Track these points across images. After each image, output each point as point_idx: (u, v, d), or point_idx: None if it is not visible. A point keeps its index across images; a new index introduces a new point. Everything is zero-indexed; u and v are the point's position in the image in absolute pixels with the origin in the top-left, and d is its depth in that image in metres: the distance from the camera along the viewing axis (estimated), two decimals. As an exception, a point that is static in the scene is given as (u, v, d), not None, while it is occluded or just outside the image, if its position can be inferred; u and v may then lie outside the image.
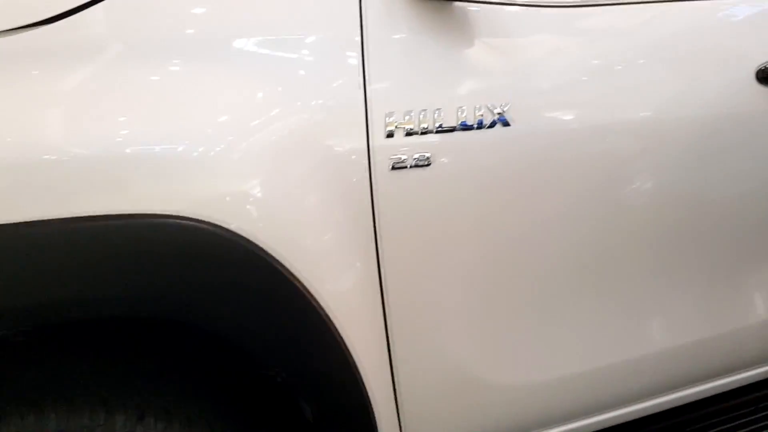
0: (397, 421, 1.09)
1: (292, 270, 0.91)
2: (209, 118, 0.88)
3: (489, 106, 1.03)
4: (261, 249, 0.89)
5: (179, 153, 0.85)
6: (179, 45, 0.90)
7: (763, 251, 1.34)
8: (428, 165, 0.99)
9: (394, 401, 1.08)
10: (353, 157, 0.96)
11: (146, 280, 0.85)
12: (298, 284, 0.92)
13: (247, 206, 0.88)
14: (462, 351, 1.10)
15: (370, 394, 1.02)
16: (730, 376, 1.43)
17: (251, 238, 0.88)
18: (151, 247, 0.84)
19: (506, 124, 1.04)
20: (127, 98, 0.86)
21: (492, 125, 1.03)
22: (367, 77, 0.96)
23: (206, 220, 0.85)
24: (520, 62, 1.07)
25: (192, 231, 0.85)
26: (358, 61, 0.97)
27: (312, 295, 0.93)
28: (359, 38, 0.97)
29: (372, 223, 0.98)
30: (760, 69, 1.23)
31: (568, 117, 1.10)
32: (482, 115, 1.02)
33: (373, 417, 1.03)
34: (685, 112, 1.18)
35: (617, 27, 1.16)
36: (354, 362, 0.99)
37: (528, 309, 1.14)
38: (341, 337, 0.97)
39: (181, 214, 0.84)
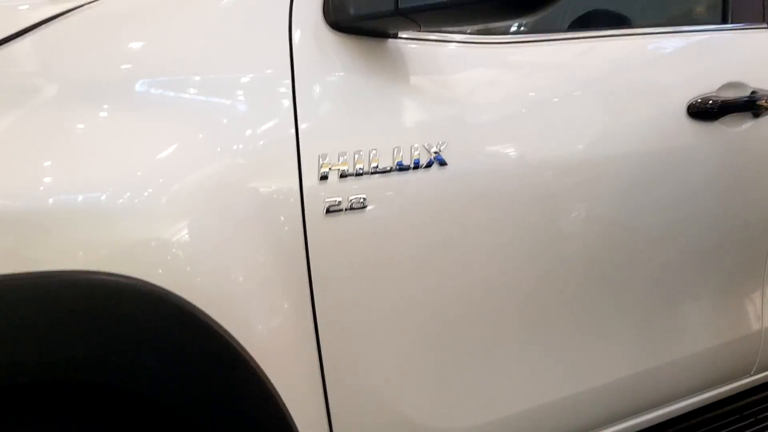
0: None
1: (221, 322, 0.86)
2: (130, 166, 0.82)
3: (425, 145, 1.00)
4: (185, 302, 0.83)
5: (95, 204, 0.79)
6: (102, 88, 0.85)
7: (695, 283, 1.36)
8: (364, 208, 0.96)
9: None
10: (285, 201, 0.91)
11: (65, 341, 0.78)
12: (227, 337, 0.87)
13: (171, 258, 0.83)
14: (403, 398, 1.06)
15: None
16: (668, 406, 1.44)
17: (175, 291, 0.82)
18: (65, 305, 0.77)
19: (443, 163, 1.01)
20: (43, 144, 0.80)
21: (429, 165, 1.00)
22: (298, 118, 0.93)
23: (126, 274, 0.80)
24: (455, 100, 1.05)
25: (109, 286, 0.79)
26: (288, 102, 0.93)
27: (243, 348, 0.88)
28: (289, 79, 0.93)
29: (306, 269, 0.94)
30: (691, 103, 1.24)
31: (504, 154, 1.08)
32: (419, 155, 1.00)
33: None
34: (617, 146, 1.19)
35: (550, 63, 1.16)
36: (290, 416, 0.94)
37: (467, 351, 1.11)
38: (275, 391, 0.92)
39: (98, 269, 0.78)
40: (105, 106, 0.85)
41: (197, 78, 0.90)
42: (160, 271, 0.82)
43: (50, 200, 0.77)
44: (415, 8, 0.91)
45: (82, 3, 0.89)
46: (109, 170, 0.81)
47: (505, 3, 0.91)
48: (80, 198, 0.79)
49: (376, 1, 0.93)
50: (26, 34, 0.85)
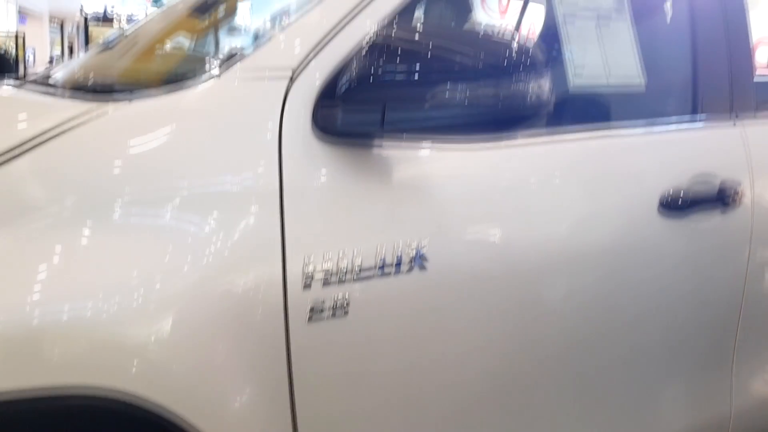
0: None
1: (200, 427, 0.90)
2: (114, 282, 0.86)
3: (407, 251, 1.05)
4: (166, 411, 0.87)
5: (77, 322, 0.83)
6: (95, 207, 0.90)
7: (667, 369, 1.40)
8: (346, 314, 1.00)
9: None
10: (269, 309, 0.95)
11: None
12: None
13: (152, 371, 0.87)
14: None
15: None
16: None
17: (156, 403, 0.86)
18: (50, 421, 0.81)
19: (423, 267, 1.06)
20: (26, 262, 0.84)
21: (410, 270, 1.05)
22: (285, 227, 0.97)
23: (108, 388, 0.83)
24: (435, 202, 1.10)
25: (91, 397, 0.83)
26: (276, 209, 0.97)
27: None
28: (277, 185, 0.98)
29: (287, 375, 0.97)
30: (662, 199, 1.30)
31: (483, 253, 1.13)
32: (400, 260, 1.04)
33: None
34: (592, 239, 1.24)
35: (527, 161, 1.21)
36: None
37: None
38: None
39: (82, 384, 0.82)
40: (98, 225, 0.89)
41: (186, 189, 0.94)
42: (141, 380, 0.86)
43: (33, 318, 0.81)
44: (400, 125, 0.98)
45: (76, 119, 0.94)
46: (101, 287, 0.86)
47: (481, 124, 0.97)
48: (61, 314, 0.83)
49: (363, 116, 0.99)
50: (17, 153, 0.89)
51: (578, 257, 1.22)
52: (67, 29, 27.69)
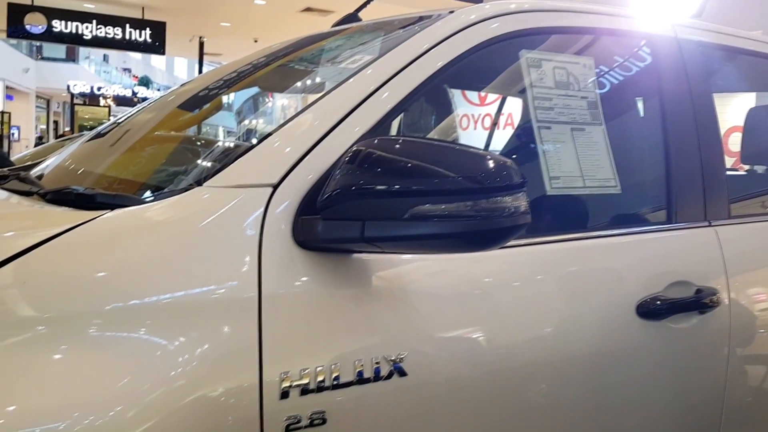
0: None
1: None
2: (90, 397, 0.85)
3: (386, 356, 1.04)
4: None
5: None
6: (69, 317, 0.89)
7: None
8: (324, 423, 0.98)
9: None
10: (246, 420, 0.93)
11: None
12: None
13: None
14: None
15: None
16: None
17: None
18: None
19: (403, 373, 1.05)
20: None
21: (389, 376, 1.04)
22: (263, 336, 0.96)
23: None
24: (414, 311, 1.10)
25: None
26: (254, 319, 0.96)
27: None
28: (256, 293, 0.98)
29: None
30: (640, 303, 1.31)
31: (462, 358, 1.12)
32: (379, 366, 1.03)
33: None
34: (571, 347, 1.23)
35: (507, 268, 1.22)
36: None
37: None
38: None
39: None
40: (74, 339, 0.88)
41: (165, 300, 0.94)
42: None
43: None
44: (379, 238, 0.98)
45: (57, 231, 0.94)
46: (72, 399, 0.84)
47: (460, 240, 0.98)
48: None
49: (343, 228, 0.99)
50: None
51: (558, 363, 1.21)
52: (53, 107, 28.06)
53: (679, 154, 1.50)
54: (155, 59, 32.72)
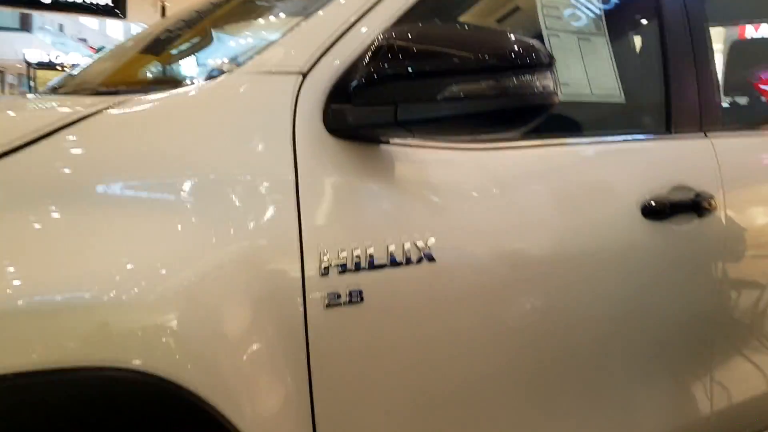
0: None
1: (223, 412, 0.89)
2: (129, 261, 0.87)
3: (416, 243, 1.08)
4: (189, 392, 0.87)
5: (92, 299, 0.83)
6: (117, 190, 0.91)
7: (647, 372, 1.45)
8: (361, 301, 1.02)
9: None
10: (289, 294, 0.97)
11: None
12: (229, 426, 0.90)
13: (171, 349, 0.86)
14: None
15: None
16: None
17: (178, 381, 0.86)
18: (65, 401, 0.80)
19: (431, 259, 1.09)
20: (53, 245, 0.84)
21: (419, 261, 1.08)
22: (302, 217, 0.99)
23: (126, 365, 0.83)
24: (440, 200, 1.14)
25: (111, 378, 0.82)
26: (293, 201, 0.99)
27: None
28: (293, 179, 1.00)
29: (306, 358, 0.98)
30: (644, 204, 1.37)
31: (484, 251, 1.17)
32: (410, 252, 1.07)
33: None
34: (582, 243, 1.29)
35: (525, 166, 1.27)
36: None
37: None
38: None
39: (101, 364, 0.82)
40: (119, 206, 0.91)
41: (206, 175, 0.97)
42: (161, 360, 0.85)
43: (56, 296, 0.81)
44: (411, 121, 1.01)
45: (94, 109, 0.96)
46: (117, 264, 0.86)
47: (491, 119, 1.02)
48: (83, 293, 0.83)
49: (375, 114, 1.02)
50: (36, 143, 0.90)
51: (574, 257, 1.27)
52: (8, 79, 27.19)
53: (677, 67, 1.56)
54: (111, 29, 31.80)
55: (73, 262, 0.84)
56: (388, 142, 1.10)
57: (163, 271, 0.88)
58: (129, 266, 0.86)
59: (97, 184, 0.91)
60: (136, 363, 0.83)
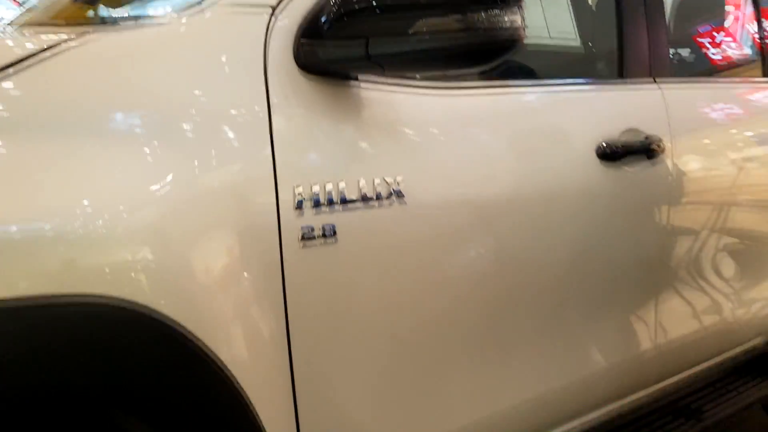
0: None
1: (200, 342, 0.91)
2: (104, 192, 0.86)
3: (386, 180, 1.10)
4: (166, 318, 0.88)
5: (69, 229, 0.82)
6: (90, 122, 0.90)
7: (598, 308, 1.53)
8: (334, 235, 1.04)
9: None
10: (264, 227, 0.98)
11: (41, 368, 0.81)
12: (209, 356, 0.92)
13: (147, 277, 0.87)
14: (369, 413, 1.13)
15: None
16: (580, 418, 1.58)
17: (156, 309, 0.87)
18: (37, 331, 0.80)
19: (400, 195, 1.11)
20: (34, 173, 0.83)
21: (389, 197, 1.10)
22: (275, 151, 1.00)
23: (108, 293, 0.83)
24: (408, 140, 1.16)
25: (93, 306, 0.82)
26: (266, 136, 1.00)
27: (221, 362, 0.93)
28: (266, 114, 1.01)
29: (281, 290, 1.00)
30: (599, 146, 1.43)
31: (450, 191, 1.20)
32: (380, 189, 1.09)
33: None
34: (538, 184, 1.34)
35: (487, 109, 1.30)
36: (263, 427, 0.99)
37: (429, 370, 1.21)
38: (250, 405, 0.97)
39: (81, 291, 0.82)
40: (91, 139, 0.89)
41: (181, 112, 0.96)
42: (142, 290, 0.86)
43: (36, 225, 0.81)
44: (384, 54, 1.03)
45: (61, 42, 0.94)
46: (91, 195, 0.86)
47: (461, 54, 1.04)
48: (55, 224, 0.82)
49: (346, 47, 1.03)
50: (10, 68, 0.88)
51: (537, 194, 1.32)
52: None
53: (631, 17, 1.62)
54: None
55: (40, 194, 0.83)
56: (357, 79, 1.11)
57: (133, 203, 0.88)
58: (98, 198, 0.85)
59: (65, 117, 0.89)
60: (118, 291, 0.83)
